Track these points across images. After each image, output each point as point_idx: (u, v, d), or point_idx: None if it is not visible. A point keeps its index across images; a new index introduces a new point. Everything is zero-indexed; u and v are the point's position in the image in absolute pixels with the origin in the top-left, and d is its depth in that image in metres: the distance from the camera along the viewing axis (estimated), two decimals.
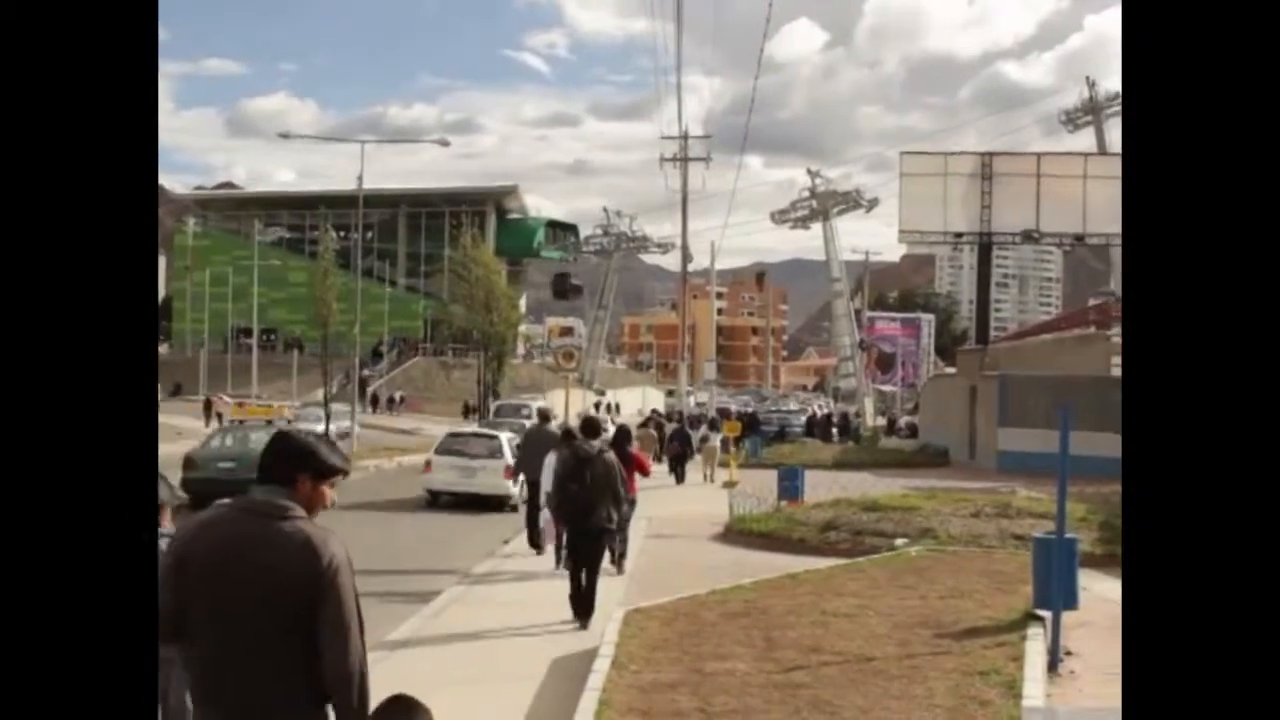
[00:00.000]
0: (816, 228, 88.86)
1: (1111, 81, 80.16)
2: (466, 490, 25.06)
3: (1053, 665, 9.77)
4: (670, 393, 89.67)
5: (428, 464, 26.56)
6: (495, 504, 24.35)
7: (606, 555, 13.28)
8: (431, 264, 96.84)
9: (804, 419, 62.16)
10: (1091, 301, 76.78)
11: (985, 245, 47.61)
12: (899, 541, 16.85)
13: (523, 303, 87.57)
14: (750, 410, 61.51)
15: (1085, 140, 79.17)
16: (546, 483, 15.86)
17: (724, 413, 44.82)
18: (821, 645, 9.92)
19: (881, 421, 70.20)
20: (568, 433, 16.56)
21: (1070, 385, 30.62)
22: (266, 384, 74.01)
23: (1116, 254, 62.93)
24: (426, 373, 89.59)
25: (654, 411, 55.28)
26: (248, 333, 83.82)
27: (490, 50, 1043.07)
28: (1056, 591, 10.17)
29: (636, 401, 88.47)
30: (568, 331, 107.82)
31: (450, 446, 26.53)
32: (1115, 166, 40.31)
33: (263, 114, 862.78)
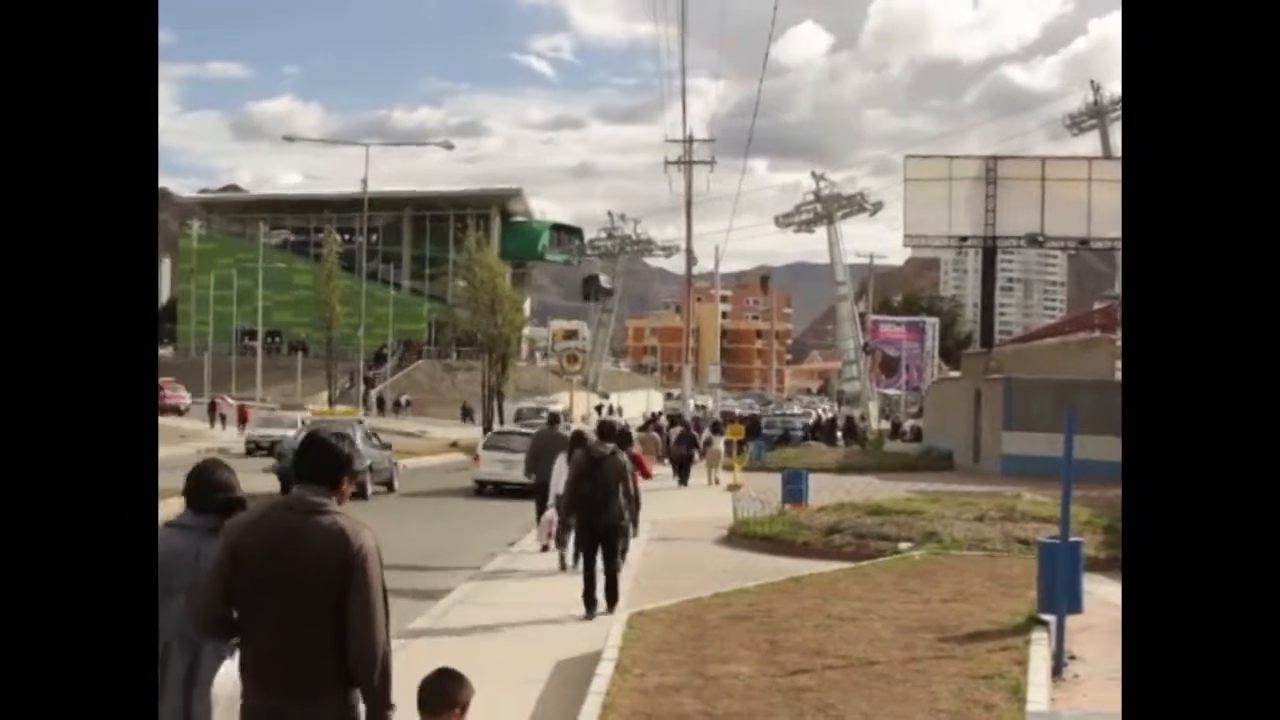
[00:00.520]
0: (821, 231, 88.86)
1: (1116, 85, 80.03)
2: (508, 480, 27.64)
3: (1057, 669, 9.76)
4: (669, 395, 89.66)
5: (476, 457, 30.95)
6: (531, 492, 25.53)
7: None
8: (436, 267, 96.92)
9: (807, 422, 62.09)
10: (1096, 305, 76.66)
11: (990, 249, 47.57)
12: (903, 545, 16.83)
13: (527, 306, 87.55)
14: (751, 413, 61.51)
15: (1090, 144, 79.19)
16: (556, 485, 16.34)
17: (728, 416, 44.76)
18: (825, 649, 9.91)
19: (885, 425, 70.12)
20: (577, 435, 16.67)
21: (1075, 389, 30.57)
22: (271, 386, 74.12)
23: (1121, 258, 62.87)
24: (431, 375, 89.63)
25: (655, 414, 55.29)
26: (252, 335, 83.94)
27: (495, 53, 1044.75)
28: (1061, 595, 10.15)
29: (640, 404, 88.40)
30: (572, 335, 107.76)
31: (495, 443, 31.00)
32: (1119, 170, 40.17)
33: (267, 117, 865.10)
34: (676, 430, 38.29)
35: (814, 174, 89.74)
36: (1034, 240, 47.15)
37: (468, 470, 31.69)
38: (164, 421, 50.95)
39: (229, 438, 50.81)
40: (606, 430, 14.71)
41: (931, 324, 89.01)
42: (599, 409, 72.34)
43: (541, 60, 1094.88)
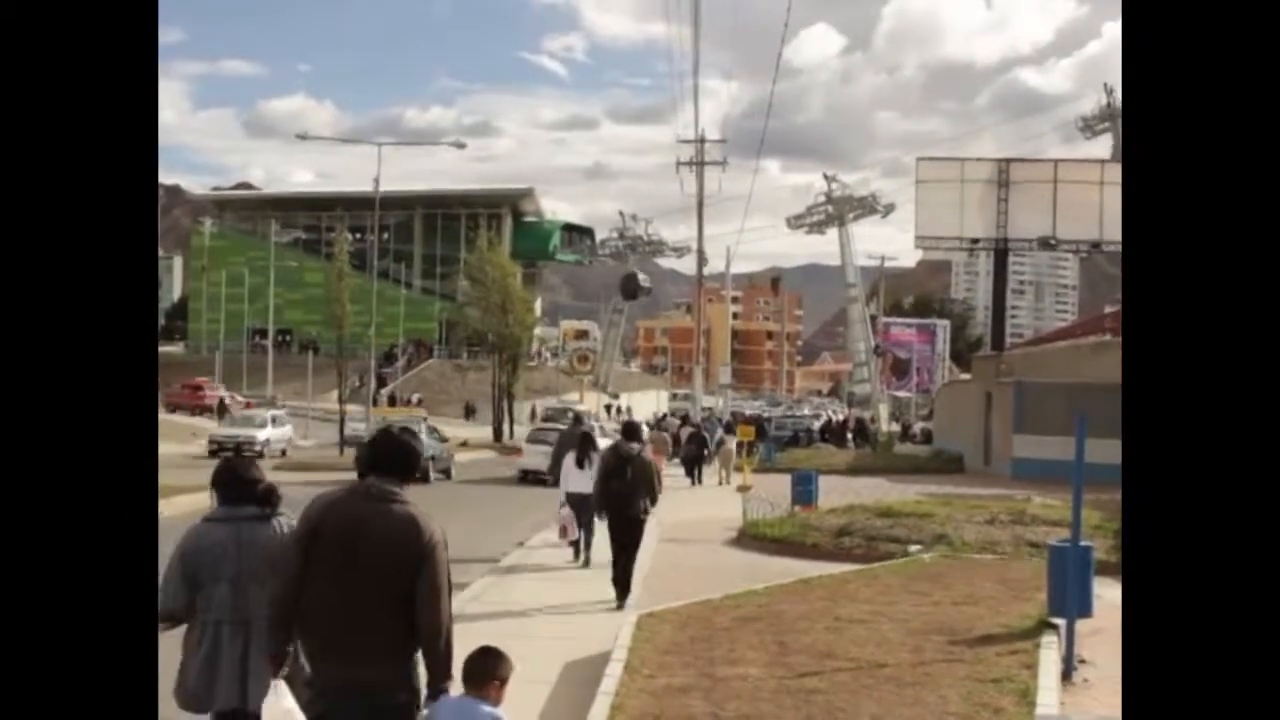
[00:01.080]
0: (832, 233, 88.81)
1: None
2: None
3: (1067, 673, 9.74)
4: (674, 396, 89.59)
5: (520, 450, 36.36)
6: None
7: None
8: (447, 266, 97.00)
9: (818, 424, 62.05)
10: (1108, 309, 76.49)
11: (1001, 251, 47.51)
12: (913, 548, 16.82)
13: (538, 306, 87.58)
14: (756, 415, 61.48)
15: (1103, 147, 79.03)
16: (566, 482, 17.20)
17: (738, 416, 44.73)
18: (835, 651, 9.90)
19: (896, 427, 70.04)
20: (585, 436, 17.93)
21: (1086, 392, 30.49)
22: (282, 385, 74.17)
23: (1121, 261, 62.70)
24: (441, 375, 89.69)
25: (664, 415, 55.31)
26: (263, 333, 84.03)
27: (508, 53, 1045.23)
28: (1071, 599, 10.14)
29: (651, 405, 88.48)
30: (583, 335, 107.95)
31: (536, 437, 35.33)
32: None
33: (280, 115, 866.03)
34: (687, 430, 38.41)
35: (826, 175, 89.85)
36: (1046, 243, 47.08)
37: (513, 461, 37.12)
38: (175, 419, 51.25)
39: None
40: (631, 431, 15.39)
41: (942, 326, 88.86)
42: (609, 409, 72.43)
43: (554, 60, 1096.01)
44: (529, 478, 32.23)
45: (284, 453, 42.47)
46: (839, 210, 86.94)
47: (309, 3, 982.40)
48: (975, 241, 47.47)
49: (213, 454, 38.49)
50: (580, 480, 16.76)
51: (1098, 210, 44.29)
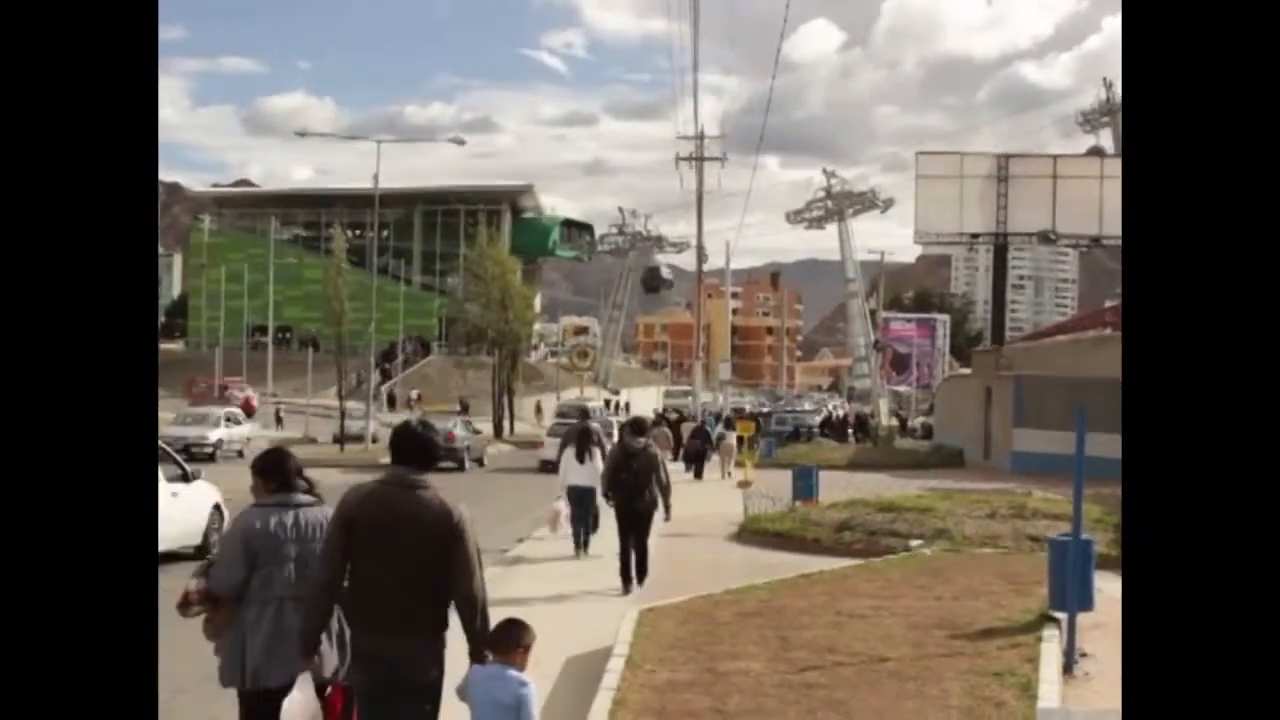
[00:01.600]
0: (832, 228, 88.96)
1: None
2: None
3: (1068, 667, 9.74)
4: (669, 392, 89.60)
5: (542, 443, 38.49)
6: None
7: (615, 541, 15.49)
8: (447, 262, 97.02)
9: (818, 419, 62.08)
10: (1107, 303, 76.49)
11: (1001, 246, 47.56)
12: (914, 542, 16.83)
13: (538, 302, 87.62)
14: (753, 410, 61.54)
15: (1102, 141, 79.00)
16: (567, 475, 17.56)
17: (739, 412, 44.79)
18: (836, 645, 9.90)
19: (895, 422, 70.09)
20: (584, 431, 18.16)
21: (1086, 386, 30.48)
22: (282, 382, 74.20)
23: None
24: (441, 371, 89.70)
25: (664, 411, 55.40)
26: (263, 330, 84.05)
27: (508, 49, 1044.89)
28: (1072, 593, 10.14)
29: (651, 400, 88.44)
30: (582, 331, 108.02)
31: (555, 430, 36.35)
32: None
33: (280, 112, 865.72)
34: (689, 426, 38.60)
35: (825, 171, 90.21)
36: (1045, 238, 47.13)
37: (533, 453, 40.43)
38: (166, 417, 51.09)
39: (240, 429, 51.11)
40: (638, 426, 16.02)
41: (942, 321, 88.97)
42: (608, 404, 72.42)
43: (554, 56, 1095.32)
44: (549, 467, 32.73)
45: (240, 453, 38.75)
46: (838, 205, 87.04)
47: (309, 1, 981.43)
48: (975, 236, 47.52)
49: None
50: (581, 474, 17.12)
51: (1097, 205, 44.33)
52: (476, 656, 5.59)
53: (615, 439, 18.44)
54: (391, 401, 74.86)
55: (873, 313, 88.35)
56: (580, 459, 17.46)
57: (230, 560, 6.09)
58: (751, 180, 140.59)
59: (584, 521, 17.52)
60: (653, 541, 15.15)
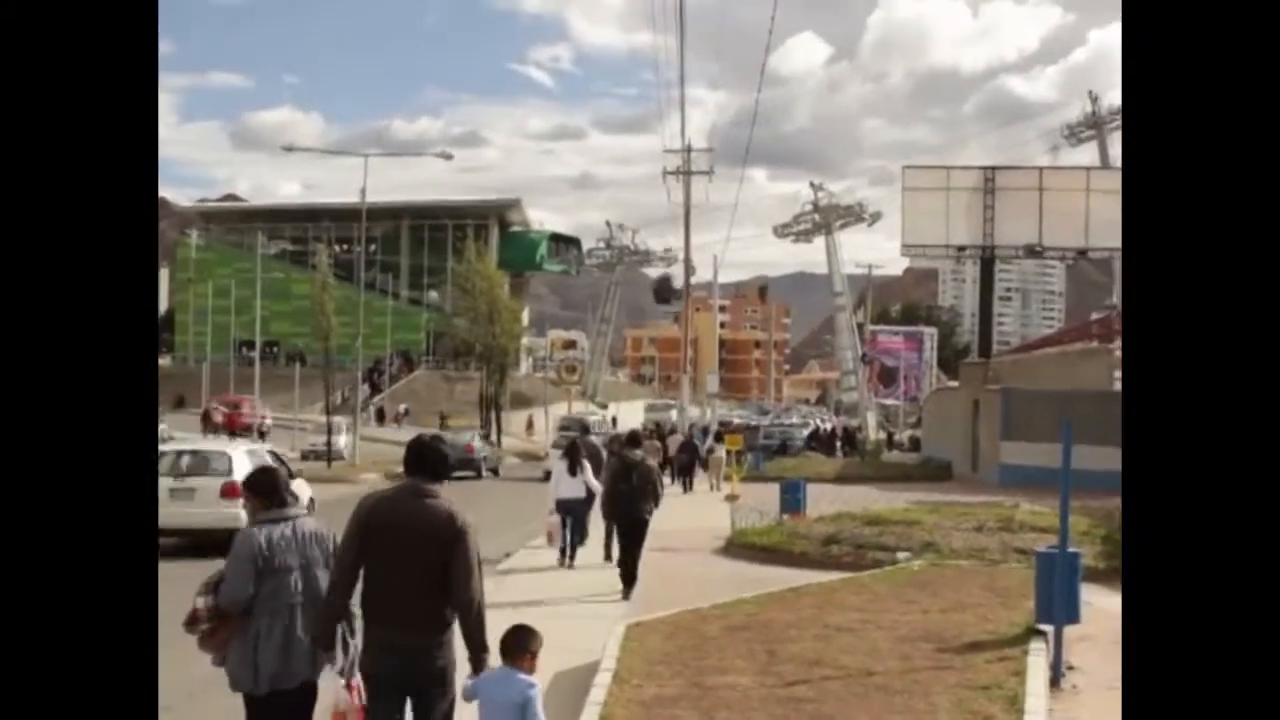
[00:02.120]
0: (819, 241, 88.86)
1: (1114, 96, 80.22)
2: None
3: (1055, 680, 9.75)
4: (650, 406, 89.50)
5: (547, 454, 37.72)
6: None
7: (600, 551, 17.53)
8: (434, 277, 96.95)
9: (806, 433, 62.08)
10: (1094, 315, 76.68)
11: (988, 259, 47.65)
12: (901, 555, 16.83)
13: (525, 316, 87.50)
14: (742, 424, 61.53)
15: (1088, 154, 79.28)
16: (557, 489, 18.01)
17: (726, 425, 44.78)
18: (823, 659, 9.90)
19: (882, 435, 70.09)
20: (573, 444, 19.06)
21: (1073, 399, 30.58)
22: (269, 396, 73.99)
23: (1119, 267, 62.94)
24: (429, 386, 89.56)
25: (656, 424, 55.43)
26: (250, 345, 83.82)
27: (495, 64, 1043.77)
28: (1059, 606, 10.15)
29: (638, 414, 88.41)
30: (570, 345, 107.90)
31: (558, 443, 34.55)
32: (1117, 180, 40.35)
33: (267, 127, 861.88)
34: (674, 439, 38.71)
35: (812, 184, 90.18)
36: (1032, 250, 47.26)
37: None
38: (161, 429, 50.97)
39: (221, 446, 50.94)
40: (635, 440, 17.06)
41: (930, 334, 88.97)
42: (613, 422, 72.34)
43: (541, 70, 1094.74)
44: (550, 477, 34.15)
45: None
46: (826, 219, 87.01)
47: (296, 14, 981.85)
48: (962, 249, 47.63)
49: None
50: (570, 487, 17.57)
51: (1083, 217, 44.47)
52: (475, 662, 5.99)
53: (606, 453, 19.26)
54: (380, 416, 74.73)
55: (860, 326, 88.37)
56: (571, 472, 18.01)
57: (239, 577, 6.35)
58: (739, 194, 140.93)
59: (575, 533, 17.96)
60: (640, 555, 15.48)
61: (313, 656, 6.33)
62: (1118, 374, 33.58)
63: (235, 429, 55.60)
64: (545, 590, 15.47)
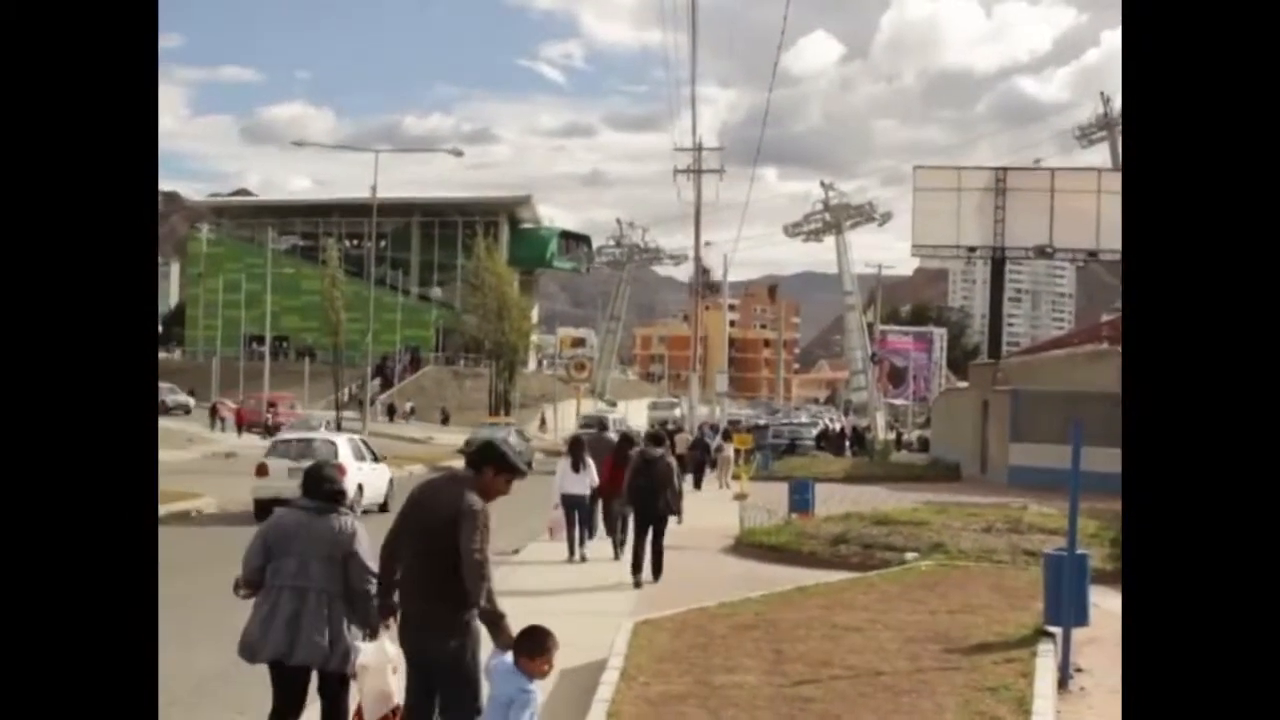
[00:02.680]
0: (830, 240, 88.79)
1: None
2: None
3: (1063, 682, 9.74)
4: (653, 405, 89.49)
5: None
6: None
7: (609, 545, 18.11)
8: (444, 273, 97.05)
9: (814, 432, 62.05)
10: (1104, 317, 76.57)
11: (998, 260, 47.61)
12: (909, 556, 16.82)
13: (535, 313, 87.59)
14: (748, 422, 61.58)
15: (1099, 155, 79.15)
16: (562, 484, 18.32)
17: (735, 424, 44.82)
18: (831, 659, 9.90)
19: (891, 436, 70.05)
20: (576, 440, 19.90)
21: (1082, 401, 30.53)
22: (278, 391, 74.14)
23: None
24: (438, 382, 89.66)
25: (661, 424, 55.55)
26: (260, 340, 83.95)
27: (507, 60, 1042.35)
28: (1067, 608, 10.14)
29: (644, 413, 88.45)
30: (579, 342, 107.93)
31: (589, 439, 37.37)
32: None
33: (279, 122, 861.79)
34: (682, 438, 38.83)
35: (823, 183, 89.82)
36: (1042, 251, 47.25)
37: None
38: (170, 424, 51.19)
39: (231, 440, 51.29)
40: (656, 438, 18.24)
41: (939, 334, 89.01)
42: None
43: (553, 67, 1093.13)
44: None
45: None
46: (836, 218, 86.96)
47: (308, 9, 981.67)
48: (972, 250, 47.61)
49: None
50: (575, 483, 17.89)
51: (1094, 219, 44.44)
52: (485, 620, 6.36)
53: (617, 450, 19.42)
54: (391, 412, 74.81)
55: (870, 326, 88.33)
56: (575, 468, 18.28)
57: (249, 552, 7.12)
58: (749, 192, 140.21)
59: (582, 527, 18.24)
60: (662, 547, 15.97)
61: (291, 640, 6.88)
62: None
63: (243, 424, 55.90)
64: (553, 586, 15.48)
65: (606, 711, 8.32)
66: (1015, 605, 12.26)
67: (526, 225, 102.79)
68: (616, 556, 17.75)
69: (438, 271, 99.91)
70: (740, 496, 27.06)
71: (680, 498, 16.68)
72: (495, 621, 6.30)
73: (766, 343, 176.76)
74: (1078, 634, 10.21)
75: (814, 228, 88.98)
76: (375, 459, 27.11)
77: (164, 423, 51.49)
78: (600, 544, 18.62)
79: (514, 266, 73.50)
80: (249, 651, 7.03)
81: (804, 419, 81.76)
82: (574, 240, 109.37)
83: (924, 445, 57.05)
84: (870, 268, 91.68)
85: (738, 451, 35.51)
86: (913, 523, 19.13)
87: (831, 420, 79.25)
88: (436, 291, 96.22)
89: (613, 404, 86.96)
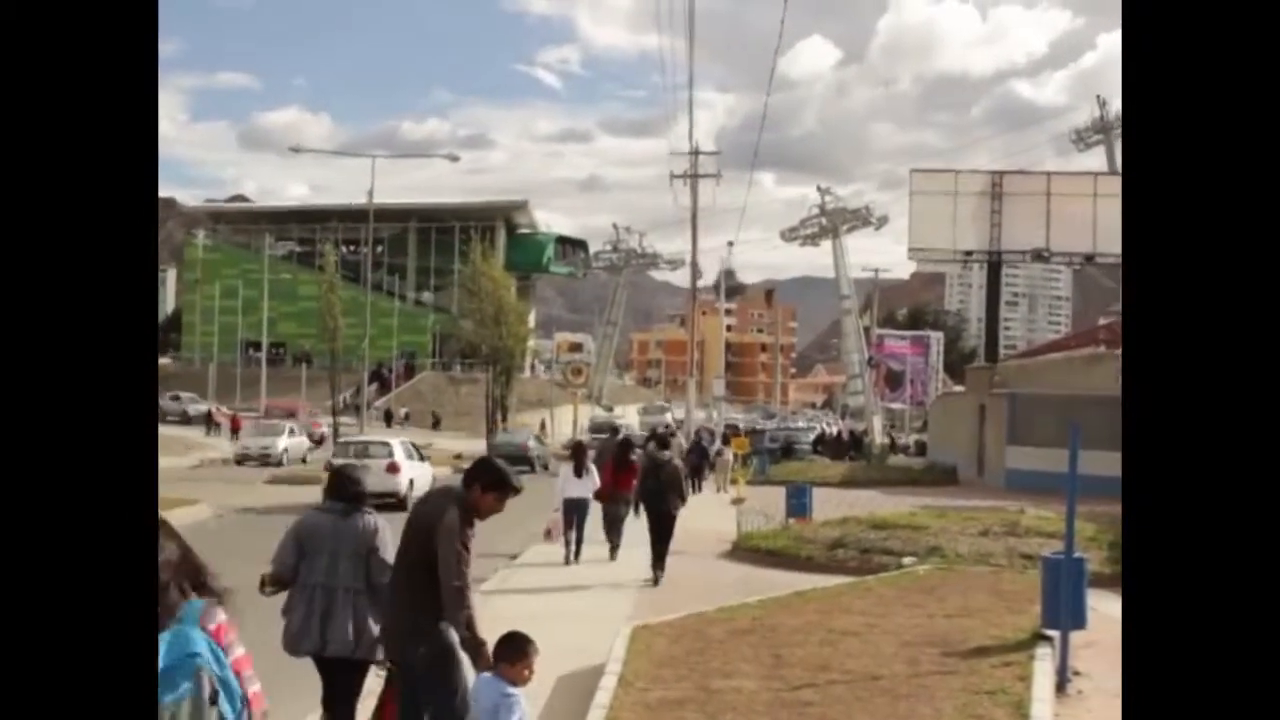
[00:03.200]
0: (826, 245, 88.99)
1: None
2: None
3: (1060, 685, 9.74)
4: (645, 409, 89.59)
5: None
6: None
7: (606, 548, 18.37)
8: (441, 279, 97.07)
9: (811, 436, 62.09)
10: (1101, 320, 76.67)
11: (995, 263, 47.67)
12: (907, 560, 16.83)
13: (531, 318, 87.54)
14: (745, 427, 61.66)
15: (1096, 159, 79.27)
16: (565, 489, 18.51)
17: (733, 429, 44.84)
18: (829, 663, 9.90)
19: (887, 440, 70.09)
20: (579, 445, 20.56)
21: (1079, 404, 30.55)
22: (275, 398, 74.12)
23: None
24: (435, 387, 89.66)
25: (662, 428, 55.56)
26: (257, 346, 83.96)
27: (504, 66, 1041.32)
28: (1065, 611, 10.14)
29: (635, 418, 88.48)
30: (576, 348, 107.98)
31: (591, 444, 38.48)
32: None
33: (275, 128, 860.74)
34: (677, 443, 39.02)
35: (820, 188, 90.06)
36: (1039, 255, 47.33)
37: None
38: (168, 431, 51.16)
39: (225, 447, 51.26)
40: (663, 442, 19.37)
41: (936, 338, 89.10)
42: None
43: (549, 73, 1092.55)
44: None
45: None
46: (833, 223, 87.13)
47: (305, 16, 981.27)
48: (969, 254, 47.68)
49: None
50: (576, 487, 18.00)
51: (1090, 222, 44.49)
52: (467, 649, 6.36)
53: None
54: (388, 418, 74.79)
55: (866, 330, 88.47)
56: (578, 473, 18.51)
57: (281, 551, 7.52)
58: (746, 197, 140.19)
59: (580, 529, 18.34)
60: (644, 561, 16.20)
61: (323, 634, 7.28)
62: None
63: (236, 429, 56.10)
64: (551, 588, 15.49)
65: (605, 717, 8.32)
66: (1013, 609, 12.27)
67: (523, 230, 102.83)
68: (613, 557, 18.15)
69: (434, 277, 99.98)
70: (738, 501, 27.08)
71: (627, 505, 17.83)
72: (476, 649, 6.32)
73: (763, 347, 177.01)
74: (1075, 638, 10.21)
75: (811, 232, 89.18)
76: (421, 458, 31.67)
77: (162, 430, 51.53)
78: (598, 547, 18.62)
79: (511, 272, 73.36)
80: (292, 645, 7.43)
81: (801, 424, 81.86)
82: (571, 245, 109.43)
83: (921, 449, 57.07)
84: (867, 272, 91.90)
85: (735, 456, 35.56)
86: (910, 527, 19.14)
87: (829, 425, 79.36)
88: (427, 296, 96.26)
89: (609, 409, 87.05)
